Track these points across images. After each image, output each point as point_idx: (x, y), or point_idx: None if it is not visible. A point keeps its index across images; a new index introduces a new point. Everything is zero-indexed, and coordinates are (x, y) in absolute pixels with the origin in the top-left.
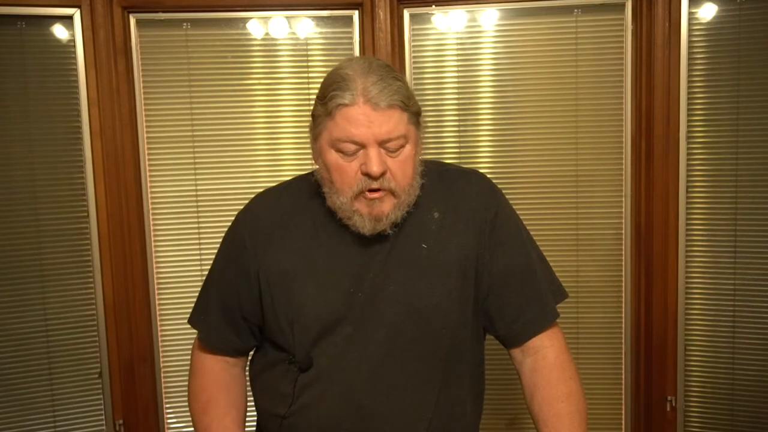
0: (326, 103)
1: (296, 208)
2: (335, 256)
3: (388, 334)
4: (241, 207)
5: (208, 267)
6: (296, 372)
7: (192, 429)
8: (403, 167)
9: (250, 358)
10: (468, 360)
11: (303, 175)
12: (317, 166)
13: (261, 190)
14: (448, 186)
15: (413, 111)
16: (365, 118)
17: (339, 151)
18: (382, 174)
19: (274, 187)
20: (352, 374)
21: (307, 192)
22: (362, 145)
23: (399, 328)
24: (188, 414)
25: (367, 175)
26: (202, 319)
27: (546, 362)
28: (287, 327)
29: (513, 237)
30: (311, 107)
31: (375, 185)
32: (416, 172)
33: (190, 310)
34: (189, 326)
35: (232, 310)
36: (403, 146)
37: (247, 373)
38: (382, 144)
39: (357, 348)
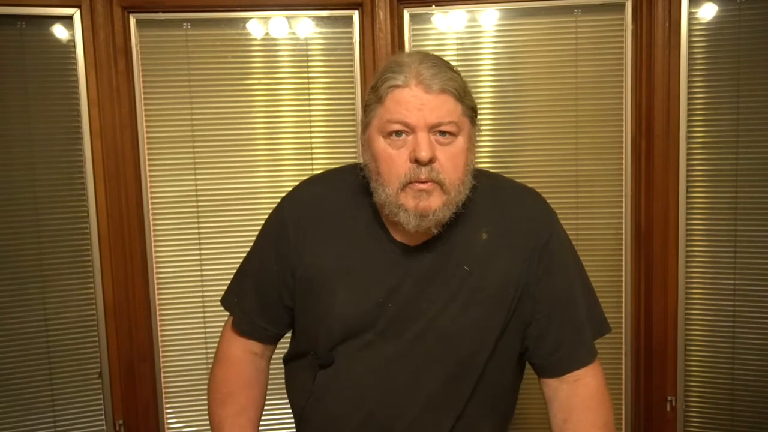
0: (378, 88)
1: (343, 203)
2: (373, 263)
3: (411, 351)
4: (242, 207)
5: (209, 267)
6: (317, 368)
7: (192, 429)
8: (454, 160)
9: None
10: (497, 388)
11: (352, 165)
12: (364, 162)
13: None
14: (500, 206)
15: (468, 105)
16: (417, 100)
17: (388, 136)
18: (431, 161)
19: (324, 174)
20: (366, 381)
21: (355, 186)
22: (412, 129)
23: (423, 348)
24: (188, 414)
25: (416, 161)
26: (235, 303)
27: (588, 389)
28: (313, 324)
29: (561, 267)
30: (311, 107)
31: (423, 175)
32: (468, 171)
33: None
34: (189, 326)
35: (269, 296)
36: (455, 136)
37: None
38: (432, 129)
39: (376, 357)
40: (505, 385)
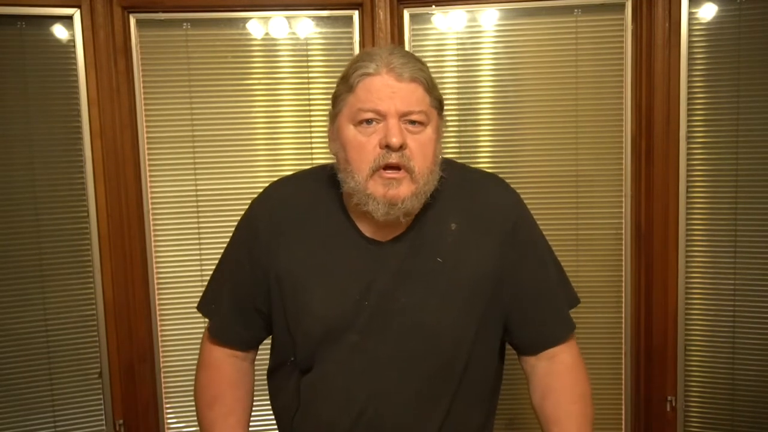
0: (349, 77)
1: (313, 202)
2: (346, 260)
3: (395, 348)
4: (242, 207)
5: (208, 267)
6: (299, 375)
7: (192, 429)
8: (423, 149)
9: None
10: (482, 376)
11: (321, 165)
12: (333, 154)
13: (270, 180)
14: (468, 195)
15: (436, 97)
16: (388, 89)
17: (359, 124)
18: (401, 147)
19: (292, 176)
20: (356, 382)
21: (325, 186)
22: (383, 116)
23: (407, 344)
24: (188, 414)
25: (387, 147)
26: (213, 309)
27: (564, 366)
28: (293, 326)
29: (532, 249)
30: (311, 107)
31: (393, 159)
32: (437, 162)
33: (199, 297)
34: (189, 326)
35: (244, 301)
36: (424, 125)
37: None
38: (402, 117)
39: (363, 358)
40: (490, 373)
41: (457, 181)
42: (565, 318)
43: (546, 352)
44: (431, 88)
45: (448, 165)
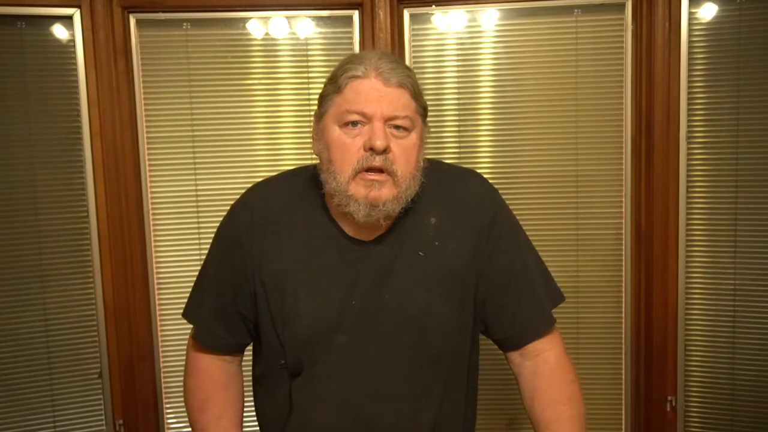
0: (337, 79)
1: (293, 205)
2: (329, 261)
3: (385, 345)
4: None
5: None
6: (288, 379)
7: (191, 429)
8: (407, 153)
9: (251, 362)
10: (466, 365)
11: (302, 167)
12: (317, 154)
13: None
14: (445, 190)
15: (421, 104)
16: (376, 92)
17: (344, 126)
18: (385, 150)
19: (272, 178)
20: (350, 382)
21: (305, 187)
22: (369, 119)
23: (397, 339)
24: None
25: (371, 150)
26: (197, 315)
27: (547, 366)
28: (280, 329)
29: (510, 241)
30: (311, 107)
31: (377, 162)
32: (418, 168)
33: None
34: (189, 326)
35: (227, 307)
36: (408, 131)
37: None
38: (388, 122)
39: (354, 358)
40: (472, 365)
41: (432, 178)
42: (545, 312)
43: (528, 349)
44: (417, 95)
45: (427, 165)
